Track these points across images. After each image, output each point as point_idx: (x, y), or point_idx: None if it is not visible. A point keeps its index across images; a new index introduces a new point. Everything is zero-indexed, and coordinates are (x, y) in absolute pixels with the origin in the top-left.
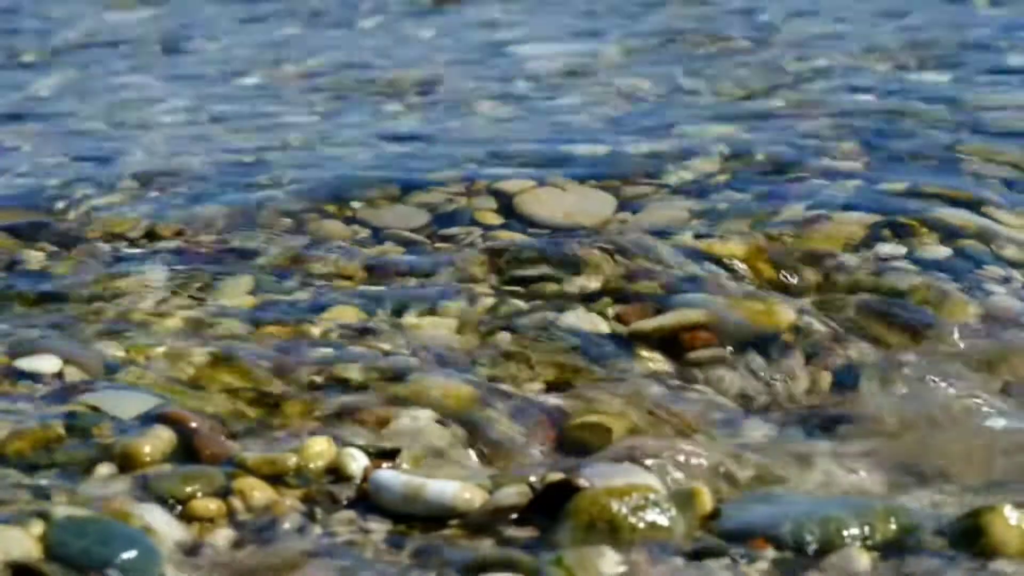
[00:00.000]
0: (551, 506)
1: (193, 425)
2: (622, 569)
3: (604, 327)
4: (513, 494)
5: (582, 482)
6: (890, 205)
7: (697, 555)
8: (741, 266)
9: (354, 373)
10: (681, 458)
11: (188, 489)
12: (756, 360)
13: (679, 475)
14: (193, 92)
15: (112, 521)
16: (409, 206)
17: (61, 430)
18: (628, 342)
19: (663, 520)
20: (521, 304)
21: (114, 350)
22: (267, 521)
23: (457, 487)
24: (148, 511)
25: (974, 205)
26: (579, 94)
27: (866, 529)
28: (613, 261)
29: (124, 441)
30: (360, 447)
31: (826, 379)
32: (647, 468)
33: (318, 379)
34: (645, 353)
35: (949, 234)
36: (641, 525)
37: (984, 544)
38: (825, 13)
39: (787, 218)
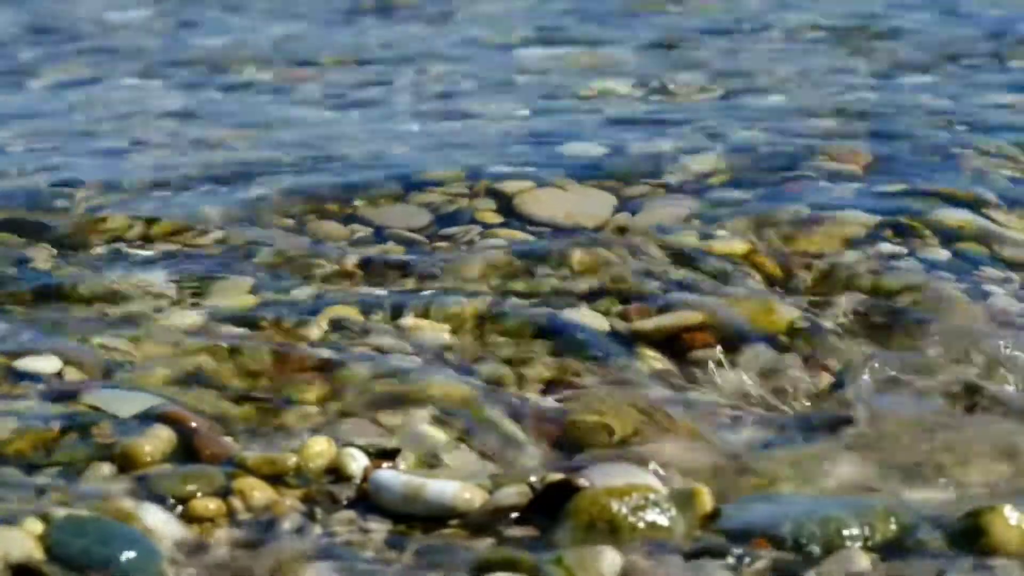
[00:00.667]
0: (551, 506)
1: (193, 425)
2: (622, 569)
3: (604, 327)
4: (513, 494)
5: (582, 482)
6: (890, 205)
7: (697, 555)
8: (741, 266)
9: (354, 373)
10: (681, 458)
11: (188, 489)
12: (756, 360)
13: (679, 475)
14: (193, 90)
15: (112, 521)
16: (409, 205)
17: (61, 430)
18: (628, 342)
19: (663, 520)
20: (521, 304)
21: (114, 350)
22: (267, 521)
23: (457, 487)
24: (148, 511)
25: (974, 205)
26: (578, 94)
27: (866, 529)
28: (613, 261)
29: (124, 441)
30: (360, 447)
31: (826, 379)
32: (647, 468)
33: (318, 379)
34: (645, 353)
35: (949, 234)
36: (641, 525)
37: (984, 544)
38: (824, 13)
39: (787, 218)
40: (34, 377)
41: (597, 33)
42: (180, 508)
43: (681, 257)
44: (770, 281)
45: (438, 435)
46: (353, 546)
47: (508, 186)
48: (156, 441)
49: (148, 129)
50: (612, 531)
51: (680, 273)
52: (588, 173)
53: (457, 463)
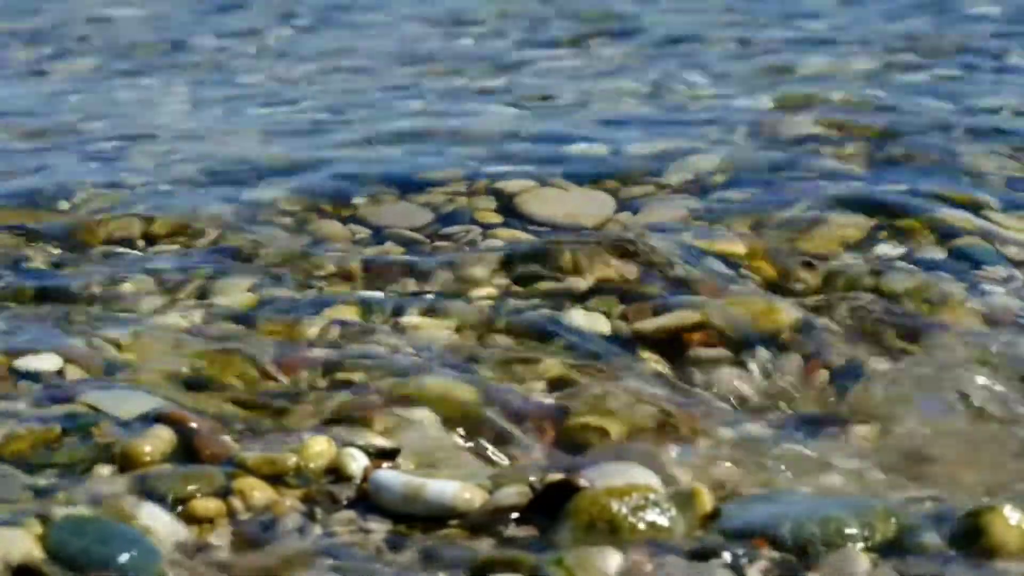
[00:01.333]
0: (551, 506)
1: (193, 425)
2: (622, 569)
3: (604, 327)
4: (513, 494)
5: (582, 482)
6: (890, 205)
7: (697, 555)
8: (741, 266)
9: (354, 373)
10: (681, 458)
11: (188, 489)
12: (756, 360)
13: (679, 475)
14: (194, 90)
15: (112, 521)
16: (410, 205)
17: (61, 430)
18: (629, 342)
19: (663, 520)
20: (521, 304)
21: (114, 350)
22: (267, 521)
23: (457, 487)
24: (148, 511)
25: (973, 206)
26: (579, 94)
27: (866, 529)
28: (613, 261)
29: (124, 441)
30: (360, 447)
31: (826, 379)
32: (647, 468)
33: (318, 379)
34: (646, 353)
35: (948, 234)
36: (641, 525)
37: (984, 544)
38: (824, 14)
39: (787, 218)
40: (34, 377)
41: (598, 32)
42: (180, 508)
43: (681, 257)
44: (770, 281)
45: (438, 435)
46: (353, 546)
47: (508, 186)
48: (156, 441)
49: (149, 128)
50: (612, 531)
51: (680, 273)
52: (588, 173)
53: (457, 463)
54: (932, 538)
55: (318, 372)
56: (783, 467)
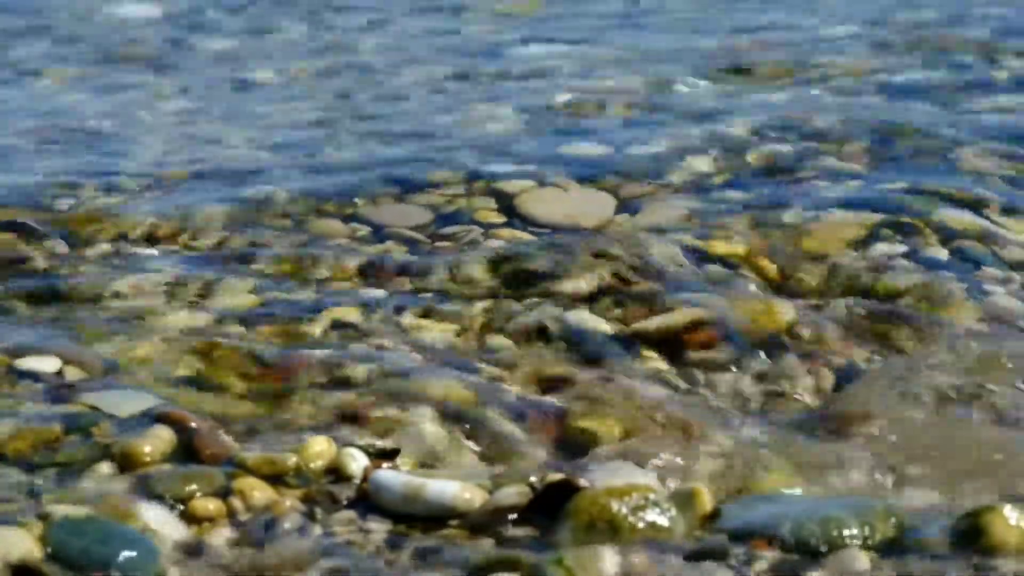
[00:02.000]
0: (551, 506)
1: (193, 425)
2: (622, 569)
3: (605, 327)
4: (513, 494)
5: (582, 482)
6: (890, 205)
7: (697, 555)
8: (741, 266)
9: (354, 373)
10: (681, 458)
11: (188, 489)
12: (756, 360)
13: (679, 475)
14: (195, 90)
15: (112, 521)
16: (410, 205)
17: (61, 430)
18: (629, 342)
19: (663, 520)
20: (521, 304)
21: (114, 350)
22: (267, 521)
23: (457, 487)
24: (148, 511)
25: (974, 205)
26: (579, 93)
27: (866, 529)
28: (613, 261)
29: (124, 441)
30: (360, 447)
31: (826, 379)
32: (647, 468)
33: (318, 379)
34: (646, 353)
35: (949, 234)
36: (641, 525)
37: (984, 544)
38: (823, 13)
39: (787, 218)
40: (34, 376)
41: (597, 32)
42: (180, 508)
43: (681, 257)
44: (770, 281)
45: (438, 435)
46: (353, 546)
47: (508, 186)
48: (156, 441)
49: (149, 128)
50: (612, 531)
51: (680, 273)
52: (588, 173)
53: (457, 463)
54: (932, 538)
55: (318, 372)
56: (783, 467)
